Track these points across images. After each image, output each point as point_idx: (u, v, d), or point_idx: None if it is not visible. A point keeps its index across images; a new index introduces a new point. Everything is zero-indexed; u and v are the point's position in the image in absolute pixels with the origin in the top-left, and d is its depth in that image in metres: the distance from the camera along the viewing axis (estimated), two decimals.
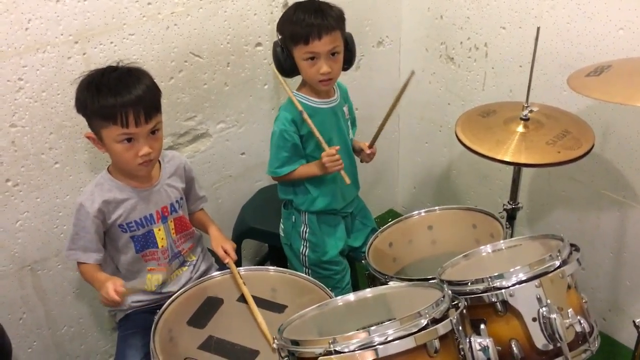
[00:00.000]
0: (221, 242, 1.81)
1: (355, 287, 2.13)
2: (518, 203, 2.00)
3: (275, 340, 1.24)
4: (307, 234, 1.94)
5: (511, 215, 2.00)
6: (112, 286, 1.51)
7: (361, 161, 2.03)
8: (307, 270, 1.97)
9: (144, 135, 1.56)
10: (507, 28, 2.19)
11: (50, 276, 1.98)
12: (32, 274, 1.94)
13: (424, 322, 1.14)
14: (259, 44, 2.19)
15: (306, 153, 1.87)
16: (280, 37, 1.81)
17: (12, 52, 1.66)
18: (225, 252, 1.78)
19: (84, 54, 1.79)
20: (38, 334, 2.04)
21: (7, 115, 1.71)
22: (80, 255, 1.66)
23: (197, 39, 2.02)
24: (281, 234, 2.03)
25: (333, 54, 1.76)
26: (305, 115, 1.78)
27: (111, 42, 1.83)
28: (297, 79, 1.88)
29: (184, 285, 1.75)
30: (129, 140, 1.55)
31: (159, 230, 1.71)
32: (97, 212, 1.61)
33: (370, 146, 1.96)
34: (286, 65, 1.80)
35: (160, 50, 1.94)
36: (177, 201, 1.77)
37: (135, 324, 1.68)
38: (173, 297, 1.64)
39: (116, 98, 1.51)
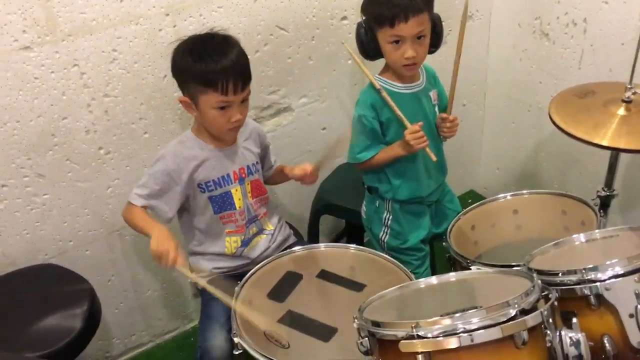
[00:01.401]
0: (298, 167, 1.80)
1: (434, 270, 2.09)
2: (613, 190, 1.88)
3: (356, 320, 1.23)
4: (389, 221, 1.91)
5: (605, 203, 1.90)
6: (175, 252, 1.48)
7: (442, 138, 1.91)
8: (386, 254, 1.94)
9: (238, 102, 1.60)
10: (610, 2, 2.04)
11: (137, 241, 2.06)
12: (121, 239, 2.02)
13: (512, 312, 1.09)
14: (344, 18, 2.15)
15: (387, 140, 1.82)
16: (364, 17, 1.74)
17: (107, 23, 1.71)
18: (303, 169, 1.77)
19: (174, 26, 1.82)
20: (124, 296, 2.13)
21: (102, 85, 1.77)
22: (136, 197, 1.66)
23: (284, 12, 2.01)
24: (363, 215, 2.01)
25: (419, 38, 1.68)
26: (384, 93, 1.73)
27: (200, 15, 1.85)
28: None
29: (262, 253, 1.79)
30: (223, 107, 1.59)
31: (236, 191, 1.74)
32: (174, 167, 1.65)
33: (448, 113, 1.83)
34: (369, 48, 1.74)
35: (247, 23, 1.95)
36: (253, 164, 1.79)
37: (218, 288, 1.71)
38: (254, 269, 1.67)
39: (217, 65, 1.54)
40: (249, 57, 1.88)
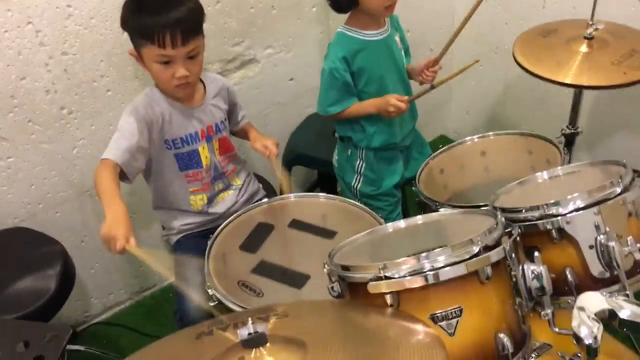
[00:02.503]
0: (261, 140, 1.82)
1: (406, 214, 2.12)
2: (577, 127, 1.92)
3: (326, 265, 1.25)
4: (362, 169, 1.92)
5: (570, 141, 1.93)
6: (125, 239, 1.36)
7: (420, 83, 1.91)
8: (358, 201, 1.96)
9: (182, 57, 1.55)
10: None
11: None
12: (92, 199, 2.01)
13: (475, 249, 1.12)
14: None
15: (358, 89, 1.81)
16: None
17: None
18: (265, 147, 1.79)
19: None
20: (99, 256, 2.14)
21: (59, 42, 1.72)
22: (108, 152, 1.56)
23: None
24: (334, 164, 2.02)
25: None
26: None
27: None
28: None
29: (230, 208, 1.79)
30: (167, 62, 1.55)
31: (203, 148, 1.73)
32: (144, 114, 1.62)
33: (437, 62, 1.86)
34: (348, 1, 1.70)
35: None
36: (221, 122, 1.77)
37: (190, 249, 1.73)
38: (225, 223, 1.67)
39: (154, 18, 1.50)
40: (208, 8, 1.85)
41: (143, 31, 1.52)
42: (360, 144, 1.89)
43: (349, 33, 1.75)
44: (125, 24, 1.58)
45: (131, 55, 1.62)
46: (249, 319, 0.96)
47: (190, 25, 1.55)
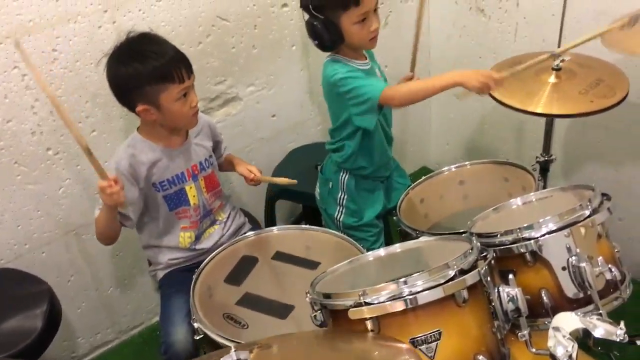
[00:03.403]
0: (245, 165, 1.90)
1: (390, 244, 2.15)
2: (551, 155, 1.98)
3: (308, 294, 1.28)
4: (344, 201, 1.95)
5: (544, 168, 1.99)
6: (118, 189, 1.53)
7: None
8: (341, 232, 1.99)
9: (191, 86, 1.65)
10: None
11: (94, 240, 2.02)
12: (77, 238, 2.03)
13: (451, 273, 1.15)
14: (285, 5, 2.18)
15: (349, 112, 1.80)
16: (314, 10, 1.68)
17: (45, 23, 1.71)
18: (250, 171, 1.85)
19: (114, 22, 1.82)
20: (86, 295, 2.14)
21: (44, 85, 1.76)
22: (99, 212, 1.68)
23: (223, 2, 2.03)
24: (317, 197, 2.06)
25: (375, 9, 1.70)
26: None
27: (139, 10, 1.86)
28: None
29: (216, 242, 1.82)
30: (184, 95, 1.62)
31: (190, 188, 1.76)
32: (129, 170, 1.66)
33: (412, 70, 1.93)
34: (334, 39, 1.69)
35: (187, 16, 1.96)
36: (206, 159, 1.81)
37: (176, 283, 1.75)
38: (210, 256, 1.70)
39: (165, 58, 1.57)
40: (191, 49, 1.93)
41: (162, 74, 1.56)
42: (344, 162, 1.90)
43: (342, 60, 1.78)
44: (135, 80, 1.57)
45: (140, 113, 1.62)
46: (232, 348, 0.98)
47: (185, 57, 1.64)
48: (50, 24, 1.72)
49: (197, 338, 1.48)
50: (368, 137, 1.82)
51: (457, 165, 2.02)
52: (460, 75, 1.60)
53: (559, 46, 1.79)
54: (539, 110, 1.72)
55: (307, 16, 1.73)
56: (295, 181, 1.80)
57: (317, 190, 2.06)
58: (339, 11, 1.66)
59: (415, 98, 1.68)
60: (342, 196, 1.95)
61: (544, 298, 1.31)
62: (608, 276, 1.28)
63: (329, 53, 1.80)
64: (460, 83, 1.58)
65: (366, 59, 1.85)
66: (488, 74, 1.58)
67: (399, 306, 1.13)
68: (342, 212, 1.97)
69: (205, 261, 1.68)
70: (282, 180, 1.83)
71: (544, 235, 1.30)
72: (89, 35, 1.79)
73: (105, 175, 1.52)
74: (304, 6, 1.73)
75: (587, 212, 1.31)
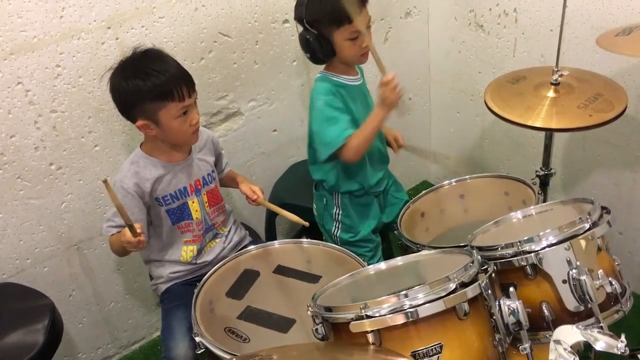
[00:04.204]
0: (249, 184, 1.90)
1: (390, 257, 2.15)
2: (551, 169, 1.98)
3: (310, 308, 1.28)
4: (340, 216, 1.96)
5: (544, 182, 1.99)
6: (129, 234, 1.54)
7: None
8: None
9: (193, 104, 1.65)
10: None
11: (96, 255, 2.07)
12: (79, 253, 2.03)
13: (452, 285, 1.16)
14: (286, 21, 2.20)
15: None
16: (308, 24, 1.73)
17: (49, 40, 1.73)
18: (254, 191, 1.85)
19: (117, 38, 1.84)
20: (87, 309, 2.14)
21: (48, 101, 1.78)
22: (110, 229, 1.70)
23: (225, 18, 2.05)
24: (315, 212, 2.07)
25: (368, 27, 1.73)
26: None
27: (142, 26, 1.88)
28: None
29: (217, 256, 1.82)
30: (184, 113, 1.62)
31: (193, 202, 1.77)
32: (135, 188, 1.67)
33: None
34: (326, 53, 1.75)
35: (189, 32, 1.98)
36: (208, 174, 1.82)
37: (177, 297, 1.75)
38: (212, 270, 1.70)
39: (166, 75, 1.58)
40: (193, 64, 1.94)
41: (162, 92, 1.57)
42: (332, 188, 1.93)
43: (329, 76, 1.82)
44: (132, 96, 1.59)
45: (140, 128, 1.64)
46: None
47: (188, 73, 1.65)
48: (54, 41, 1.74)
49: (199, 352, 1.49)
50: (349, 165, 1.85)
51: (457, 179, 2.03)
52: (380, 105, 1.71)
53: (557, 63, 1.80)
54: (538, 125, 1.73)
55: (301, 29, 1.77)
56: (307, 223, 1.81)
57: (314, 205, 2.06)
58: (332, 27, 1.71)
59: (363, 149, 1.76)
60: (337, 211, 1.96)
61: (545, 311, 1.31)
62: (608, 289, 1.29)
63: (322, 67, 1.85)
64: (388, 109, 1.70)
65: (357, 74, 1.88)
66: (385, 82, 1.66)
67: (400, 319, 1.14)
68: (338, 227, 1.98)
69: (206, 275, 1.69)
70: (292, 217, 1.81)
71: (544, 248, 1.31)
72: (92, 52, 1.81)
73: (137, 233, 1.53)
74: (297, 19, 1.77)
75: (587, 225, 1.32)
